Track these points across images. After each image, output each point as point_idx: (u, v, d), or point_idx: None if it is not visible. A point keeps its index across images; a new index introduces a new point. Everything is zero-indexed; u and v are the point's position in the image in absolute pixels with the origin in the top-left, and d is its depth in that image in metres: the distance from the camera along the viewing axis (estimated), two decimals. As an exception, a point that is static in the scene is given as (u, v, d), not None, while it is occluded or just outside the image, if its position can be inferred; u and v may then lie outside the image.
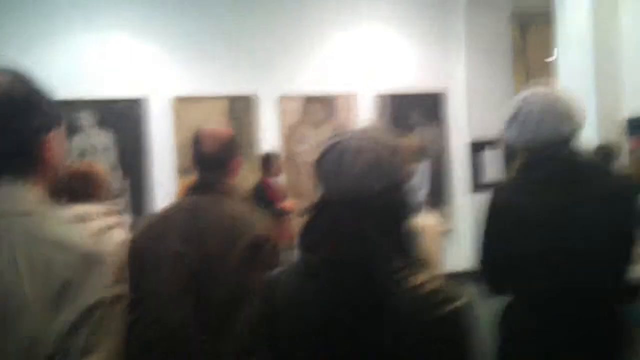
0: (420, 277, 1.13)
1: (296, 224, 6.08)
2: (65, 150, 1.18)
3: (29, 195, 1.06)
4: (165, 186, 6.63)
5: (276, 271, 1.25)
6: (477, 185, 7.43)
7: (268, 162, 6.08)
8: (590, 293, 1.71)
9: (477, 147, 7.42)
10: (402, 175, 1.18)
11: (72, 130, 6.37)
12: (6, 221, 1.03)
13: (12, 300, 0.98)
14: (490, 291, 1.88)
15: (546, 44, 7.49)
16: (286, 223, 5.99)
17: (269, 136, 7.03)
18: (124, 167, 6.63)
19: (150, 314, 1.78)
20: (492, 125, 6.94)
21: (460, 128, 7.55)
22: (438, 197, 7.36)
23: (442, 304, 1.09)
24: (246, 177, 6.39)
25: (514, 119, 1.77)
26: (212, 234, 1.85)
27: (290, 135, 7.12)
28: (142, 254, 1.88)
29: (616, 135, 5.07)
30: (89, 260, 1.02)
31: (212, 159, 1.93)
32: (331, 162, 1.16)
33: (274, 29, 7.06)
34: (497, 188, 1.81)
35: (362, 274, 1.10)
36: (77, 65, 6.45)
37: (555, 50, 6.04)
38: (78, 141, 6.46)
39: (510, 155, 2.45)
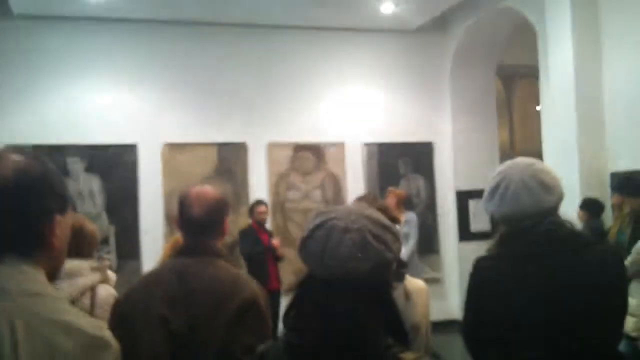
0: (409, 356, 1.13)
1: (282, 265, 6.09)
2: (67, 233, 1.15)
3: (32, 276, 1.04)
4: (152, 232, 6.58)
5: (262, 348, 1.24)
6: (465, 234, 7.45)
7: (256, 208, 6.13)
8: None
9: (464, 197, 7.47)
10: (391, 252, 1.16)
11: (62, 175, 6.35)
12: (7, 302, 0.99)
13: None
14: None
15: (531, 97, 7.66)
16: (275, 264, 6.02)
17: (258, 183, 7.04)
18: (111, 212, 6.59)
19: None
20: (478, 176, 7.02)
21: (447, 178, 7.62)
22: (427, 246, 7.36)
23: None
24: (236, 222, 6.37)
25: (494, 191, 1.79)
26: (198, 297, 1.83)
27: (279, 182, 7.14)
28: (126, 317, 1.85)
29: (599, 189, 5.10)
30: (94, 345, 1.00)
31: (199, 223, 1.90)
32: (318, 241, 1.15)
33: (265, 77, 7.16)
34: (479, 261, 1.82)
35: (350, 355, 1.09)
36: (68, 113, 6.48)
37: (540, 104, 6.16)
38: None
39: (494, 220, 2.49)
